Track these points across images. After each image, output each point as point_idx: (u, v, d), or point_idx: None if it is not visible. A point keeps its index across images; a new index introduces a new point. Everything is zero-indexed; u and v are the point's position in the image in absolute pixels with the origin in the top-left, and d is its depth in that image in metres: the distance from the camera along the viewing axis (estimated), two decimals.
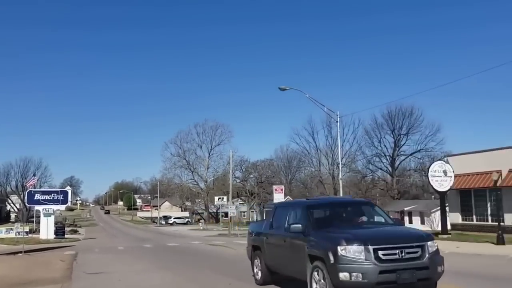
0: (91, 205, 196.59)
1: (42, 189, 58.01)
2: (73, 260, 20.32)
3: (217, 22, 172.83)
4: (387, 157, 64.49)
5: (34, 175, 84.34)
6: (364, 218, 9.81)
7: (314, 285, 8.55)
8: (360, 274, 7.64)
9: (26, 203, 53.88)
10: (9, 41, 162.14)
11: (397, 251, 7.87)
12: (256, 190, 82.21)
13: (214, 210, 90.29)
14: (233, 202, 58.70)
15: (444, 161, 29.29)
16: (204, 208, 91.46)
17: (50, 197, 42.19)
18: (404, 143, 64.09)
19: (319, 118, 77.14)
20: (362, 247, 7.79)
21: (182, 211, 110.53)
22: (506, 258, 16.96)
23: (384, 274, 7.68)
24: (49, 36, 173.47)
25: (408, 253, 7.95)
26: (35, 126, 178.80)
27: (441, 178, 28.20)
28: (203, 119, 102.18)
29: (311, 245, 8.66)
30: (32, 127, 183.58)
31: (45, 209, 39.75)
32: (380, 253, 7.78)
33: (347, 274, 7.69)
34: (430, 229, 37.37)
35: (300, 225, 9.08)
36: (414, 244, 8.09)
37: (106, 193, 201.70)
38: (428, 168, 29.96)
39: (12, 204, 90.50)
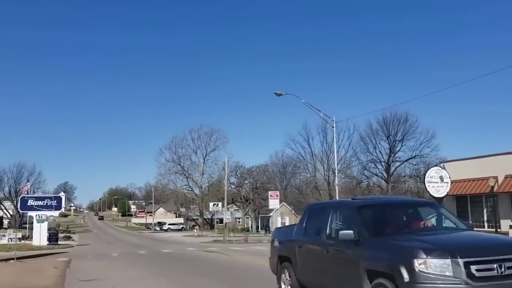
0: (85, 211, 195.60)
1: (35, 195, 57.62)
2: (66, 267, 20.03)
3: (211, 27, 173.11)
4: (382, 163, 64.49)
5: (27, 180, 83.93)
6: (432, 222, 8.08)
7: None
8: None
9: (19, 209, 53.34)
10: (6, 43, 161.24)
11: (495, 265, 6.07)
12: (251, 196, 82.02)
13: (209, 216, 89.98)
14: (228, 208, 58.47)
15: (440, 167, 29.20)
16: (198, 214, 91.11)
17: (43, 203, 41.80)
18: (399, 149, 64.16)
19: (314, 123, 76.97)
20: (448, 260, 5.99)
21: (176, 217, 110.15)
22: None
23: None
24: (49, 37, 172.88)
25: (509, 267, 6.13)
26: (28, 131, 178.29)
27: (437, 184, 28.05)
28: (198, 124, 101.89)
29: (371, 257, 6.84)
30: (25, 132, 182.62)
31: (38, 215, 39.38)
32: (473, 268, 5.98)
33: None
34: None
35: (351, 232, 7.20)
36: None
37: (100, 199, 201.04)
38: (425, 174, 29.85)
39: (5, 210, 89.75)
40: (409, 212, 8.32)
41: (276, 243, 10.28)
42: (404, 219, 8.15)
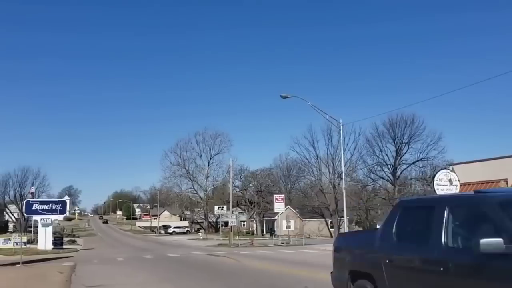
0: (90, 215, 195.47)
1: (40, 199, 57.64)
2: (71, 272, 19.83)
3: (217, 29, 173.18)
4: (389, 166, 64.01)
5: (32, 184, 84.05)
6: None
7: None
8: None
9: (24, 213, 53.31)
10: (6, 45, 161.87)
11: None
12: (255, 199, 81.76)
13: (214, 220, 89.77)
14: (233, 212, 58.23)
15: (449, 169, 28.85)
16: (203, 217, 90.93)
17: (48, 207, 41.70)
18: (406, 152, 63.70)
19: (319, 126, 76.74)
20: None
21: (181, 220, 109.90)
22: None
23: None
24: (49, 39, 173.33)
25: None
26: (33, 135, 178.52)
27: (446, 187, 27.68)
28: (202, 127, 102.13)
29: None
30: (30, 136, 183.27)
31: (43, 219, 39.31)
32: None
33: None
34: None
35: (501, 240, 4.97)
36: None
37: (104, 202, 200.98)
38: (433, 177, 29.49)
39: (10, 214, 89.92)
40: None
41: (345, 253, 8.18)
42: None
